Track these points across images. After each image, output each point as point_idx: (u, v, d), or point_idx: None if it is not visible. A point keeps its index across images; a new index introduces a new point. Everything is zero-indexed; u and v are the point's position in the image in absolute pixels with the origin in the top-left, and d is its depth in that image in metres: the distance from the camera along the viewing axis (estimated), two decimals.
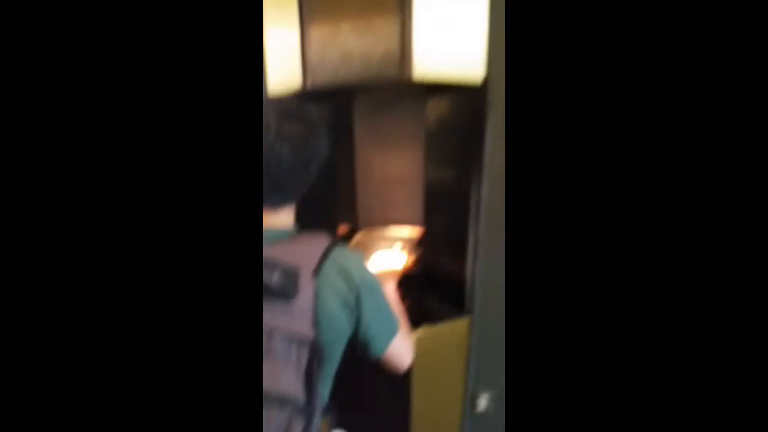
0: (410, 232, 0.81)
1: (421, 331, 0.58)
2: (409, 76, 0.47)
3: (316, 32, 0.51)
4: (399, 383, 0.60)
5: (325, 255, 0.40)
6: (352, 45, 0.50)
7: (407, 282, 0.66)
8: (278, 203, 0.43)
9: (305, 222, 0.69)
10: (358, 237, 0.84)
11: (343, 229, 0.80)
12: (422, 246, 0.74)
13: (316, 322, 0.38)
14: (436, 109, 0.61)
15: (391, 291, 0.58)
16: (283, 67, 0.53)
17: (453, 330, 0.61)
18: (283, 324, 0.37)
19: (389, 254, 0.72)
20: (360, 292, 0.41)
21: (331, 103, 0.66)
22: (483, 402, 0.65)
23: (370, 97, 0.70)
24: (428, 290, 0.67)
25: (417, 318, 0.62)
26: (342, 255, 0.42)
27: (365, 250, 0.76)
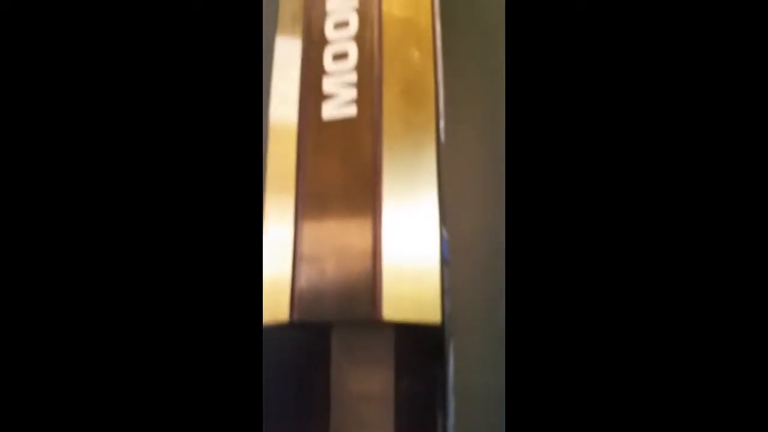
0: None
1: None
2: (380, 316, 0.57)
3: (304, 275, 0.63)
4: None
5: None
6: (332, 290, 0.61)
7: None
8: None
9: None
10: None
11: None
12: None
13: None
14: (403, 338, 0.70)
15: None
16: (274, 303, 0.64)
17: None
18: None
19: None
20: None
21: (312, 330, 0.75)
22: None
23: (346, 328, 0.79)
24: None
25: None
26: None
27: None
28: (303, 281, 0.62)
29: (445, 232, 0.69)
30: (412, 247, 0.63)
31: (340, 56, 0.67)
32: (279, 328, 0.64)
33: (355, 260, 0.61)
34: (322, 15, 0.68)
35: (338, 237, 0.63)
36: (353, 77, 0.64)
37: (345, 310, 0.59)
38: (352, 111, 0.64)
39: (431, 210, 0.61)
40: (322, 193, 0.67)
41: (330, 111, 0.65)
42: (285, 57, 0.72)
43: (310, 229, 0.64)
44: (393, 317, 0.58)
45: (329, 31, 0.67)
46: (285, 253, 0.64)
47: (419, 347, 0.68)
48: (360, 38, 0.67)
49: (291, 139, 0.71)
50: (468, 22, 0.72)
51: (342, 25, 0.68)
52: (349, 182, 0.70)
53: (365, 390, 0.84)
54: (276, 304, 0.64)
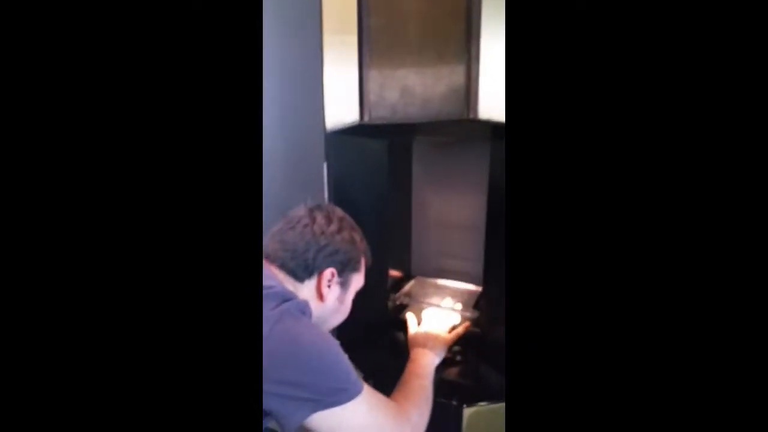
0: (470, 288, 0.73)
1: (474, 407, 0.50)
2: (475, 115, 0.42)
3: (375, 69, 0.48)
4: None
5: None
6: (413, 81, 0.46)
7: (461, 348, 0.58)
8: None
9: None
10: (411, 284, 0.77)
11: (395, 273, 0.74)
12: (480, 306, 0.65)
13: None
14: (501, 153, 0.54)
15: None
16: (340, 103, 0.50)
17: None
18: None
19: (443, 312, 0.64)
20: None
21: (390, 138, 0.63)
22: None
23: (430, 136, 0.65)
24: (485, 360, 0.58)
25: (471, 393, 0.53)
26: None
27: (418, 299, 0.69)
28: (377, 83, 0.48)
29: None
30: None
31: None
32: (346, 133, 0.52)
33: (444, 62, 0.44)
34: None
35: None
36: None
37: (433, 110, 0.44)
38: None
39: None
40: None
41: None
42: None
43: (378, 69, 0.46)
44: (492, 117, 0.42)
45: None
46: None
47: None
48: None
49: None
50: None
51: None
52: None
53: (452, 219, 0.71)
54: (343, 108, 0.51)
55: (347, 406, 0.35)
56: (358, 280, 0.46)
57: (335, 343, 0.37)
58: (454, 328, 0.58)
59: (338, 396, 0.35)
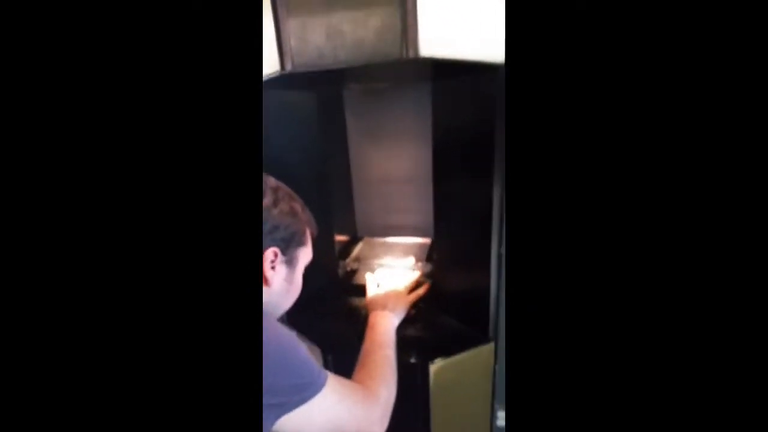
0: (420, 242, 0.71)
1: (439, 362, 0.49)
2: (415, 54, 0.37)
3: (294, 11, 0.40)
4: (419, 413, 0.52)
5: None
6: (340, 19, 0.39)
7: (421, 303, 0.56)
8: None
9: None
10: (359, 247, 0.74)
11: (341, 238, 0.70)
12: (435, 259, 0.63)
13: None
14: (445, 95, 0.50)
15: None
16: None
17: (475, 358, 0.52)
18: None
19: (396, 271, 0.62)
20: None
21: (317, 89, 0.56)
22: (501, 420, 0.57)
23: (362, 83, 0.59)
24: (443, 312, 0.57)
25: (433, 347, 0.53)
26: None
27: (368, 261, 0.66)
28: (298, 25, 0.40)
29: None
30: None
31: None
32: (265, 86, 0.45)
33: None
34: None
35: None
36: None
37: (366, 51, 0.38)
38: None
39: None
40: None
41: None
42: None
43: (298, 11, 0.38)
44: (434, 54, 0.37)
45: None
46: None
47: (471, 99, 0.49)
48: None
49: None
50: None
51: None
52: None
53: (395, 172, 0.68)
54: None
55: (314, 401, 0.32)
56: (305, 255, 0.41)
57: (292, 336, 0.33)
58: (414, 288, 0.57)
59: (305, 392, 0.31)
